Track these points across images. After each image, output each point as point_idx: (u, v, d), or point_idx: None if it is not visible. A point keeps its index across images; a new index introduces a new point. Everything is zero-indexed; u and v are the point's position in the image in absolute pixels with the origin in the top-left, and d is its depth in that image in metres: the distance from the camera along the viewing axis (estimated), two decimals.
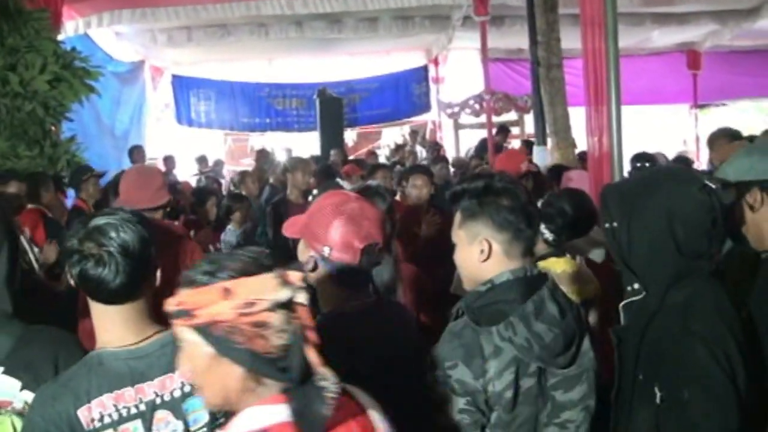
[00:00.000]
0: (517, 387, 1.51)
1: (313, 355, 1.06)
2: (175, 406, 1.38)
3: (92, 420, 1.32)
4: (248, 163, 11.33)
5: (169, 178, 5.60)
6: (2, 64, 5.10)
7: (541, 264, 2.35)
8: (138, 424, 1.35)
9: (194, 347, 1.07)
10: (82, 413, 1.32)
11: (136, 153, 8.51)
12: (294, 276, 1.06)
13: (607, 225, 1.62)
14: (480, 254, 1.60)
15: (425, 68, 12.87)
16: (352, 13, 9.21)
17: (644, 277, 1.57)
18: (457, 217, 1.67)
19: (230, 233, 4.99)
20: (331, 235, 1.59)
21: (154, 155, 10.09)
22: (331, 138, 10.26)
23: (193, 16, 8.30)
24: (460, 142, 11.16)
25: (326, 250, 1.59)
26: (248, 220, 5.15)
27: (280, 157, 9.49)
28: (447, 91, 12.36)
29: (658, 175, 1.76)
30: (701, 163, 10.79)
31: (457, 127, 11.19)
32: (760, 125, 9.54)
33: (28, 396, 1.42)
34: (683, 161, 5.83)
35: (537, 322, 1.51)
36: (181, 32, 9.62)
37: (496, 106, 9.42)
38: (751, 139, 3.91)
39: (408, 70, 12.94)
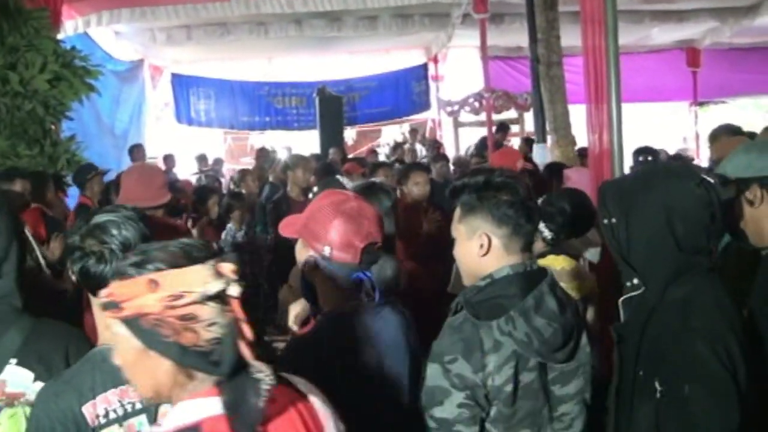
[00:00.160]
0: (516, 381, 1.51)
1: (246, 349, 1.05)
2: None
3: (97, 416, 1.32)
4: (248, 162, 11.33)
5: (169, 177, 5.60)
6: (2, 63, 5.09)
7: (540, 261, 2.36)
8: (143, 419, 1.36)
9: (123, 340, 1.05)
10: (87, 410, 1.32)
11: (136, 152, 8.52)
12: (227, 268, 1.05)
13: (605, 221, 1.62)
14: (479, 249, 1.60)
15: (425, 66, 12.86)
16: (352, 12, 9.20)
17: (643, 273, 1.58)
18: (457, 211, 1.67)
19: (230, 231, 5.00)
20: (331, 234, 1.59)
21: (153, 154, 10.09)
22: (331, 136, 10.26)
23: (193, 14, 8.29)
24: (460, 140, 11.15)
25: (327, 250, 1.59)
26: (248, 219, 5.17)
27: (282, 156, 9.47)
28: (447, 89, 12.35)
29: (656, 171, 1.77)
30: (701, 160, 10.80)
31: (457, 125, 11.18)
32: (760, 122, 9.53)
33: (41, 387, 1.43)
34: (679, 159, 5.85)
35: (537, 316, 1.52)
36: (180, 31, 9.62)
37: (495, 104, 9.41)
38: (752, 135, 3.91)
39: (408, 69, 12.93)
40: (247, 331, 1.05)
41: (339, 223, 1.59)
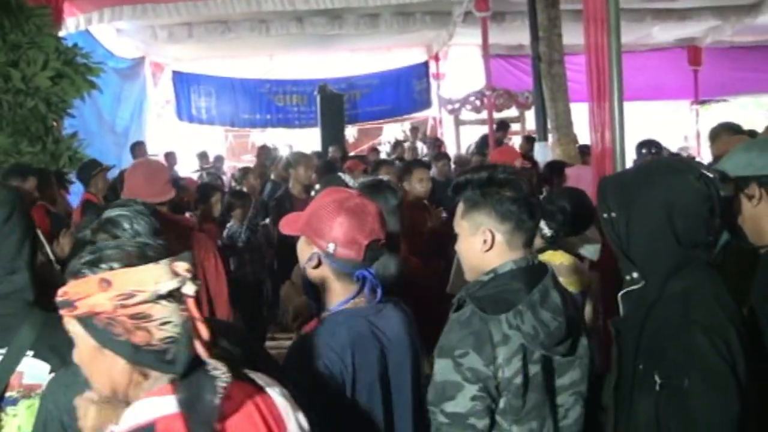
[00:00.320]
0: (525, 373, 1.53)
1: (201, 347, 1.05)
2: None
3: None
4: (249, 160, 11.34)
5: (171, 175, 5.61)
6: (4, 60, 5.09)
7: (540, 257, 2.40)
8: None
9: (79, 338, 1.07)
10: None
11: (137, 149, 8.52)
12: (181, 267, 1.05)
13: (605, 215, 1.64)
14: (483, 244, 1.62)
15: (426, 64, 12.85)
16: (353, 9, 9.19)
17: (643, 267, 1.59)
18: (460, 207, 1.69)
19: (232, 229, 5.00)
20: (335, 231, 1.59)
21: (155, 151, 10.09)
22: (332, 134, 10.26)
23: (194, 12, 8.29)
24: (461, 139, 11.15)
25: (331, 247, 1.59)
26: (250, 217, 5.17)
27: (284, 153, 9.47)
28: (448, 87, 12.34)
29: (656, 166, 1.79)
30: (702, 158, 10.79)
31: (458, 123, 11.18)
32: (761, 121, 9.53)
33: (50, 378, 1.45)
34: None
35: (543, 310, 1.54)
36: (181, 28, 9.61)
37: (497, 103, 9.40)
38: (752, 134, 3.92)
39: (409, 67, 12.92)
40: (203, 329, 1.05)
41: (343, 220, 1.60)
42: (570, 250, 2.79)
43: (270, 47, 11.39)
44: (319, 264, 1.63)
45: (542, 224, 2.65)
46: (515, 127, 10.56)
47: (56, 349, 1.48)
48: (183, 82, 12.33)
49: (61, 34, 6.12)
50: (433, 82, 12.80)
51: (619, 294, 1.66)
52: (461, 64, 12.27)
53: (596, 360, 1.75)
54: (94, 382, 1.10)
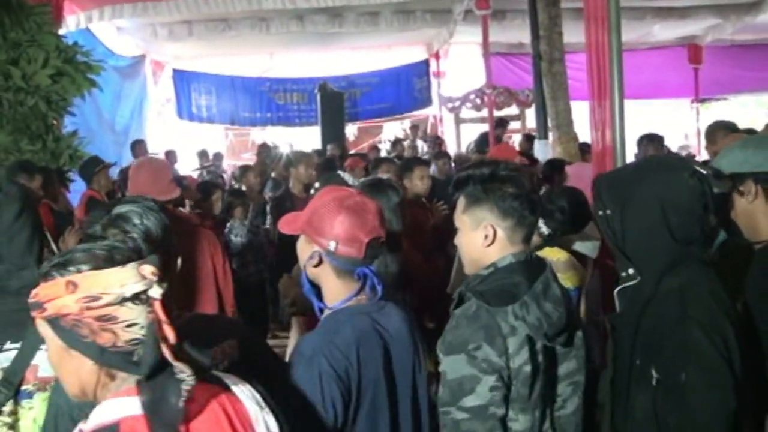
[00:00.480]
0: (534, 363, 1.56)
1: (168, 349, 1.06)
2: None
3: None
4: (249, 158, 11.32)
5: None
6: (5, 58, 5.10)
7: (538, 253, 2.43)
8: None
9: (49, 339, 1.09)
10: None
11: (138, 147, 8.51)
12: (147, 270, 1.07)
13: (600, 213, 1.67)
14: (484, 239, 1.64)
15: (426, 62, 12.84)
16: (353, 8, 9.19)
17: (639, 263, 1.61)
18: (461, 202, 1.70)
19: (235, 228, 5.01)
20: (336, 229, 1.59)
21: (155, 150, 10.08)
22: (332, 132, 10.25)
23: (194, 10, 8.27)
24: (461, 137, 11.15)
25: (332, 245, 1.59)
26: (251, 216, 5.17)
27: (285, 150, 9.45)
28: (448, 85, 12.32)
29: (650, 163, 1.82)
30: (703, 157, 10.79)
31: (458, 121, 11.16)
32: (761, 119, 9.53)
33: None
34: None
35: (546, 302, 1.57)
36: (182, 26, 9.60)
37: (497, 101, 9.39)
38: (750, 132, 3.92)
39: (409, 65, 12.92)
40: (169, 332, 1.07)
41: (344, 218, 1.60)
42: (566, 247, 2.84)
43: (270, 45, 11.39)
44: (320, 262, 1.63)
45: (540, 223, 2.69)
46: (516, 125, 10.55)
47: None
48: (183, 80, 12.32)
49: (61, 32, 6.13)
50: (433, 81, 12.79)
51: (615, 290, 1.68)
52: (462, 62, 12.26)
53: (596, 355, 1.77)
54: (64, 383, 1.13)
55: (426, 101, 13.03)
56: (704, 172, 1.58)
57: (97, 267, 1.06)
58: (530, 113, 9.31)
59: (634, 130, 4.84)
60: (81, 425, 1.11)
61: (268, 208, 5.60)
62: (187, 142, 11.83)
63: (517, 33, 9.75)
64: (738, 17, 10.41)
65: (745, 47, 12.49)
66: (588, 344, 1.75)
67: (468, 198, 1.68)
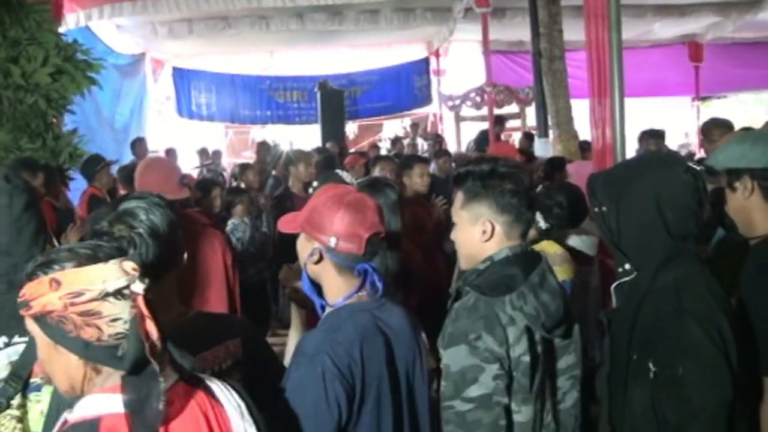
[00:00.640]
0: (533, 352, 1.56)
1: (149, 345, 1.07)
2: None
3: None
4: (249, 156, 11.32)
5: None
6: (4, 56, 5.09)
7: (535, 247, 2.46)
8: None
9: (37, 337, 1.12)
10: None
11: (138, 146, 8.49)
12: (128, 266, 1.09)
13: (596, 210, 1.69)
14: (482, 235, 1.66)
15: (426, 60, 12.83)
16: (353, 5, 9.19)
17: (635, 258, 1.63)
18: (459, 197, 1.72)
19: (236, 227, 5.00)
20: (336, 225, 1.60)
21: (155, 148, 10.08)
22: (332, 131, 10.24)
23: (194, 8, 8.27)
24: (461, 135, 11.15)
25: (332, 241, 1.59)
26: (252, 214, 5.17)
27: (285, 148, 9.45)
28: (448, 83, 12.33)
29: (645, 160, 1.84)
30: (703, 155, 10.79)
31: (458, 119, 11.17)
32: (761, 117, 9.53)
33: None
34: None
35: (543, 292, 1.59)
36: (181, 24, 9.60)
37: (497, 99, 9.40)
38: (748, 130, 3.92)
39: (409, 63, 12.92)
40: (152, 327, 1.08)
41: (344, 214, 1.60)
42: (561, 242, 2.89)
43: (270, 43, 11.38)
44: (320, 259, 1.63)
45: (538, 217, 2.74)
46: (516, 123, 10.55)
47: None
48: (183, 78, 12.32)
49: (61, 30, 6.11)
50: (433, 79, 12.79)
51: (612, 286, 1.70)
52: (462, 61, 12.26)
53: (595, 350, 1.78)
54: (54, 380, 1.15)
55: (426, 99, 13.03)
56: (698, 168, 1.61)
57: (79, 264, 1.08)
58: (530, 111, 9.31)
59: (634, 128, 4.85)
60: (66, 414, 1.13)
61: (262, 206, 5.62)
62: (187, 140, 11.82)
63: (517, 31, 9.74)
64: (739, 15, 10.41)
65: (746, 45, 12.49)
66: (591, 341, 1.76)
67: (467, 193, 1.69)
